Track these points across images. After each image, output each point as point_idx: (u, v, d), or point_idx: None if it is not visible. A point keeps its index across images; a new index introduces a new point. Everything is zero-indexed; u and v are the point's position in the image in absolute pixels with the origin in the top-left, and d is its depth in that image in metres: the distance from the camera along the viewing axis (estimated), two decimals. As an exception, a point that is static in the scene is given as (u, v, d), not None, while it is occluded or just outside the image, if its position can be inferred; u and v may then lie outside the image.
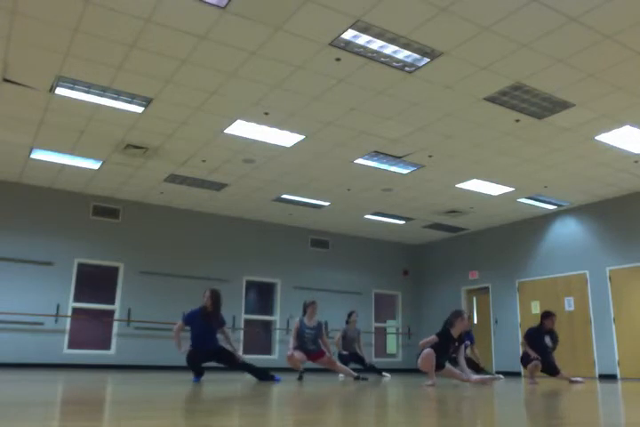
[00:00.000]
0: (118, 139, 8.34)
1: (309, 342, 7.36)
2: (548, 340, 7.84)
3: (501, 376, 9.24)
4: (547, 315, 7.91)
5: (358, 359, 9.24)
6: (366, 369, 9.26)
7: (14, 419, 2.24)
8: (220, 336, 6.66)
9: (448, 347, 6.37)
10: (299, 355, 7.24)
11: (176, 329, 6.49)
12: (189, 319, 6.49)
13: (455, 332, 6.43)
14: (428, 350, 6.28)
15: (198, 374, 6.33)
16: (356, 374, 7.75)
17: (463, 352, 6.87)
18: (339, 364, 7.75)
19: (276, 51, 5.92)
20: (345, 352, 9.07)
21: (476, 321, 13.17)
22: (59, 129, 8.04)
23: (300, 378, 7.18)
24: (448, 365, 6.48)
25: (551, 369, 7.79)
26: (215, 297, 6.53)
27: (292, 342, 7.36)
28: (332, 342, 8.80)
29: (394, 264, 14.79)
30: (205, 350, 6.36)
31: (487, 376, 6.63)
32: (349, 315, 9.54)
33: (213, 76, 6.46)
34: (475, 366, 8.78)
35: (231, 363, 6.51)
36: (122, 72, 6.39)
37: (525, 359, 7.79)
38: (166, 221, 11.93)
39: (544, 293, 11.72)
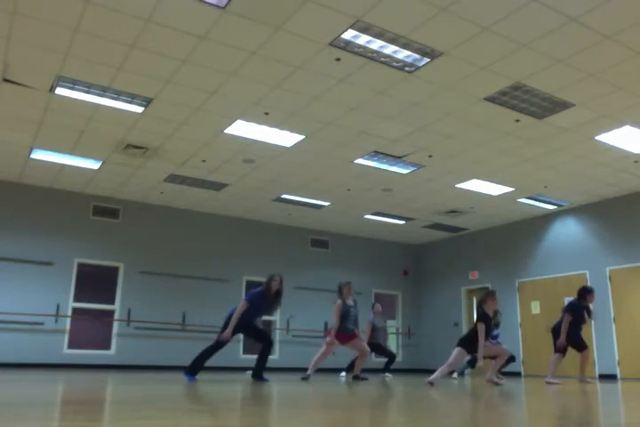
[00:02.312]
0: (118, 139, 8.34)
1: (351, 321, 7.53)
2: (585, 315, 7.83)
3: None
4: (590, 291, 7.83)
5: (380, 350, 9.42)
6: (391, 360, 9.46)
7: (14, 419, 2.24)
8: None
9: (491, 326, 6.78)
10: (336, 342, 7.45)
11: (241, 309, 6.57)
12: (254, 298, 6.70)
13: (489, 310, 6.75)
14: (459, 350, 6.53)
15: (194, 373, 6.38)
16: (355, 373, 7.78)
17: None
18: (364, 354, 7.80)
19: (276, 51, 5.92)
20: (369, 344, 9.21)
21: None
22: (59, 129, 8.04)
23: (305, 379, 7.18)
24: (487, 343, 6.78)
25: (579, 344, 7.76)
26: (283, 282, 6.96)
27: (335, 323, 7.43)
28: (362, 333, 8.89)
29: (394, 264, 14.79)
30: (246, 324, 6.64)
31: (496, 380, 6.73)
32: (373, 306, 9.86)
33: (213, 76, 6.47)
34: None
35: (258, 336, 6.78)
36: (122, 72, 6.39)
37: (556, 336, 7.79)
38: (166, 221, 11.93)
39: (544, 293, 11.72)
